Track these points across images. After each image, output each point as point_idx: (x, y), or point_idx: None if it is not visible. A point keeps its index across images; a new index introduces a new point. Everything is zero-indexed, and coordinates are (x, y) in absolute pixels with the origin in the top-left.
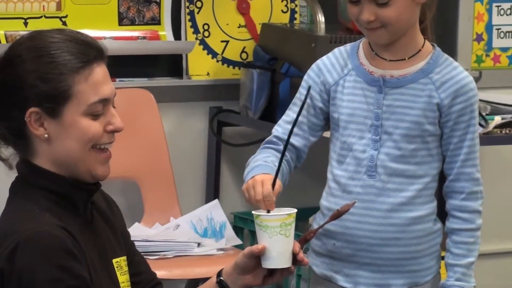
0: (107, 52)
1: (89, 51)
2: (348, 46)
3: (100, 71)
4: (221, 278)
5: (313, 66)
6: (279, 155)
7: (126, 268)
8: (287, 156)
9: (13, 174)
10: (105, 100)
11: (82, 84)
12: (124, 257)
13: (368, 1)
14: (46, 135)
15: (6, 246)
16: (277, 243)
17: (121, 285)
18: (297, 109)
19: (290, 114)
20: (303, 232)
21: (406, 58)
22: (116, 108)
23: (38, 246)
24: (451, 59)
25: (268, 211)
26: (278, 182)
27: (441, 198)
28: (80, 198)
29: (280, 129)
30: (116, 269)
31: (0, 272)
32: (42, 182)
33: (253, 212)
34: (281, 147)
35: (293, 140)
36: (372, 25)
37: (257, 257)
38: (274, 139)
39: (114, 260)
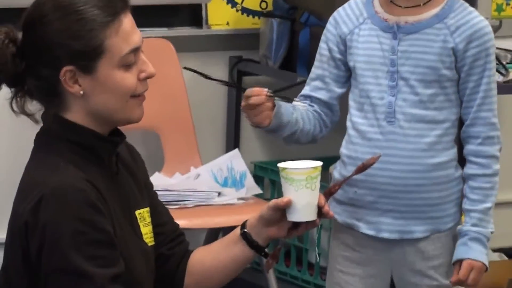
0: (131, 0)
1: (115, 3)
2: None
3: (128, 21)
4: (245, 230)
5: (330, 18)
6: (304, 106)
7: (149, 220)
8: (314, 107)
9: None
10: (136, 50)
11: (113, 37)
12: (147, 208)
13: None
14: (81, 92)
15: (31, 199)
16: (303, 196)
17: (144, 236)
18: (317, 64)
19: (314, 71)
20: (324, 182)
21: (421, 4)
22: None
23: (62, 199)
24: (466, 4)
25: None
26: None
27: (461, 144)
28: (105, 150)
29: (307, 87)
30: (139, 220)
31: (25, 224)
32: (67, 134)
33: (278, 165)
34: (310, 109)
35: (319, 94)
36: None
37: (282, 210)
38: (301, 98)
39: (137, 212)
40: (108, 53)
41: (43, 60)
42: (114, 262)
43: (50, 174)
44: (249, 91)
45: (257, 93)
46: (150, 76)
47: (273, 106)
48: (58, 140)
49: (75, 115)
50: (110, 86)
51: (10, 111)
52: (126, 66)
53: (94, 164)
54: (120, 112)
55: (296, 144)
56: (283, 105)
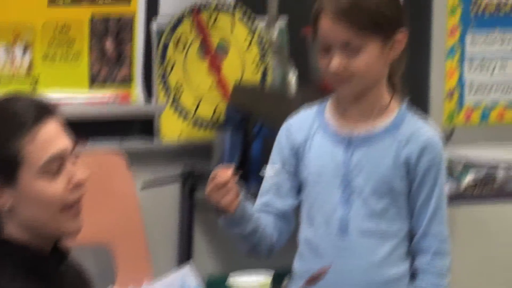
0: (56, 107)
1: (31, 113)
2: (315, 106)
3: (47, 129)
4: None
5: (281, 129)
6: (264, 215)
7: None
8: (271, 216)
9: None
10: (58, 157)
11: (30, 146)
12: None
13: (339, 50)
14: (7, 206)
15: None
16: None
17: None
18: (271, 176)
19: (265, 184)
20: None
21: (373, 116)
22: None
23: None
24: (417, 116)
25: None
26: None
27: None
28: (49, 267)
29: (260, 199)
30: None
31: None
32: (9, 252)
33: (228, 279)
34: (267, 216)
35: (275, 204)
36: (341, 74)
37: None
38: (256, 208)
39: None
40: (26, 162)
41: None
42: None
43: None
44: (214, 172)
45: (223, 172)
46: (80, 183)
47: (237, 195)
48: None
49: (12, 230)
50: (34, 197)
51: None
52: (50, 174)
53: (37, 280)
54: (52, 225)
55: (255, 253)
56: (246, 200)
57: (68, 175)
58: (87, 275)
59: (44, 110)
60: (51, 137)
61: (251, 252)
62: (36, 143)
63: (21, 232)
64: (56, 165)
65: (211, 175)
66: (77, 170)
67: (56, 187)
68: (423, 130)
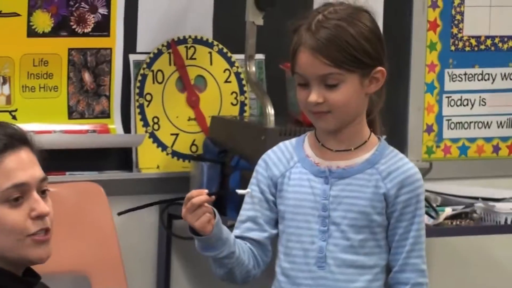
0: (30, 138)
1: (2, 140)
2: (294, 139)
3: (14, 158)
4: None
5: (260, 161)
6: (241, 242)
7: None
8: (247, 245)
9: None
10: (20, 186)
11: None
12: None
13: (317, 84)
14: None
15: None
16: None
17: None
18: (248, 206)
19: (244, 214)
20: None
21: (352, 149)
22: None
23: None
24: (396, 151)
25: None
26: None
27: None
28: None
29: (237, 230)
30: None
31: None
32: None
33: None
34: (243, 244)
35: (252, 234)
36: (319, 108)
37: None
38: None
39: None
40: None
41: None
42: None
43: None
44: (189, 193)
45: (198, 193)
46: (41, 215)
47: (214, 216)
48: None
49: None
50: None
51: None
52: (11, 203)
53: None
54: (13, 251)
55: (230, 279)
56: (222, 224)
57: (30, 206)
58: None
59: (16, 139)
60: (17, 167)
61: (226, 277)
62: (0, 170)
63: None
64: (17, 193)
65: (187, 196)
66: (41, 202)
67: (15, 216)
68: (402, 165)
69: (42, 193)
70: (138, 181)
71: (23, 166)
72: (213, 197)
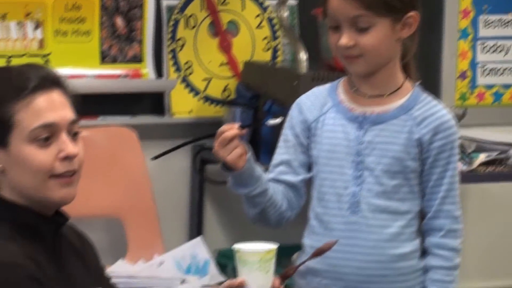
0: (63, 80)
1: (34, 80)
2: (328, 85)
3: (45, 99)
4: None
5: (294, 105)
6: (275, 184)
7: None
8: (282, 188)
9: None
10: (49, 126)
11: (23, 112)
12: None
13: (348, 26)
14: (0, 166)
15: None
16: (256, 278)
17: None
18: (282, 150)
19: (278, 157)
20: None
21: (386, 95)
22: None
23: (3, 277)
24: (430, 97)
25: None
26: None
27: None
28: (47, 230)
29: (271, 174)
30: None
31: None
32: (7, 214)
33: (233, 246)
34: (277, 186)
35: (286, 177)
36: (350, 51)
37: None
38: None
39: None
40: (17, 127)
41: None
42: None
43: None
44: (221, 128)
45: (229, 127)
46: (68, 156)
47: (245, 152)
48: None
49: (5, 191)
50: (22, 161)
51: None
52: (40, 143)
53: (36, 242)
54: (38, 191)
55: (264, 220)
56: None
57: (58, 147)
58: (89, 244)
59: (48, 80)
60: (47, 107)
61: (260, 218)
62: (30, 110)
63: (15, 196)
64: (45, 134)
65: (218, 131)
66: (70, 144)
67: (43, 156)
68: (437, 111)
69: (73, 135)
70: (171, 126)
71: (54, 107)
72: (244, 130)
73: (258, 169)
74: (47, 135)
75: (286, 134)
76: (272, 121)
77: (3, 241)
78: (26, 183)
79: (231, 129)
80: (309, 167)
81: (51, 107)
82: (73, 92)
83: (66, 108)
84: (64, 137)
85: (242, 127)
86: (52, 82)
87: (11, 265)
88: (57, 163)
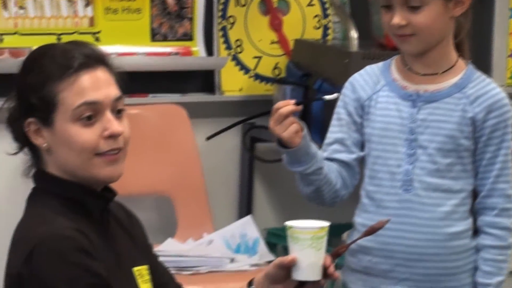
0: (109, 58)
1: (79, 58)
2: (380, 63)
3: (89, 77)
4: (252, 287)
5: (347, 83)
6: (329, 163)
7: (148, 277)
8: (335, 166)
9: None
10: (92, 104)
11: (67, 91)
12: (146, 266)
13: (400, 5)
14: (45, 145)
15: (22, 251)
16: (308, 255)
17: None
18: (335, 129)
19: (331, 136)
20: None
21: (439, 73)
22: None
23: (52, 248)
24: (484, 76)
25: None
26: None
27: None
28: (95, 206)
29: (324, 153)
30: (137, 277)
31: (19, 276)
32: (56, 189)
33: (286, 223)
34: (332, 164)
35: (340, 156)
36: (403, 30)
37: (287, 268)
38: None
39: (135, 269)
40: (62, 106)
41: (18, 111)
42: None
43: (39, 226)
44: (276, 104)
45: (285, 103)
46: (113, 135)
47: (301, 129)
48: (47, 195)
49: (53, 170)
50: (66, 140)
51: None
52: (84, 121)
53: (84, 217)
54: (83, 169)
55: (318, 198)
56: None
57: (103, 126)
58: (137, 221)
59: (92, 58)
60: (91, 85)
61: (314, 196)
62: (74, 88)
63: (61, 173)
64: (89, 113)
65: (274, 107)
66: (115, 122)
67: (87, 135)
68: (490, 89)
69: (118, 112)
70: (221, 104)
71: (98, 84)
72: (300, 106)
73: (313, 146)
74: (90, 113)
75: (339, 112)
76: (328, 96)
77: (53, 215)
78: (71, 162)
79: (287, 105)
80: (362, 145)
81: (95, 85)
82: (118, 69)
83: (110, 86)
84: (108, 115)
85: (297, 103)
86: (97, 59)
87: (60, 236)
88: (102, 141)
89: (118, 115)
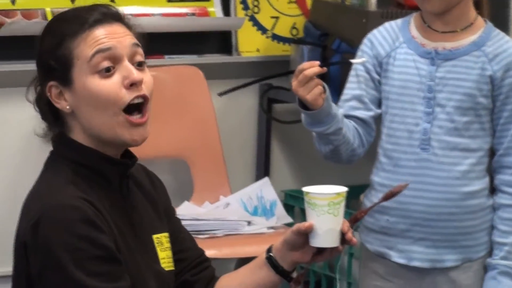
0: (123, 16)
1: (92, 16)
2: (399, 20)
3: (104, 29)
4: (271, 254)
5: (365, 40)
6: (346, 120)
7: (167, 245)
8: (352, 123)
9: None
10: (107, 51)
11: (81, 45)
12: (166, 234)
13: None
14: (68, 107)
15: (29, 220)
16: (325, 222)
17: (161, 261)
18: (353, 85)
19: (348, 92)
20: (354, 210)
21: (458, 30)
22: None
23: (58, 218)
24: (503, 33)
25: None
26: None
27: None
28: (113, 173)
29: (342, 109)
30: (156, 245)
31: (24, 245)
32: (73, 155)
33: (303, 189)
34: (348, 122)
35: (357, 113)
36: None
37: (306, 235)
38: None
39: (154, 236)
40: (78, 60)
41: (40, 78)
42: (118, 278)
43: (48, 194)
44: (300, 66)
45: (310, 65)
46: (133, 82)
47: (324, 90)
48: (63, 161)
49: (78, 135)
50: (88, 95)
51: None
52: (103, 74)
53: (100, 185)
54: (108, 128)
55: (336, 156)
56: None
57: (122, 75)
58: (160, 183)
59: (109, 15)
60: (105, 36)
61: (331, 155)
62: (87, 43)
63: (86, 139)
64: (106, 62)
65: (298, 68)
66: (134, 70)
67: (108, 86)
68: (509, 47)
69: (139, 65)
70: (238, 65)
71: (113, 35)
72: (325, 68)
73: (335, 107)
74: (108, 65)
75: (357, 68)
76: (355, 60)
77: (62, 184)
78: (97, 121)
79: (311, 67)
80: (379, 102)
81: (110, 35)
82: (138, 29)
83: (126, 36)
84: (127, 64)
85: (322, 65)
86: (113, 16)
87: (68, 206)
88: (124, 90)
89: (139, 67)
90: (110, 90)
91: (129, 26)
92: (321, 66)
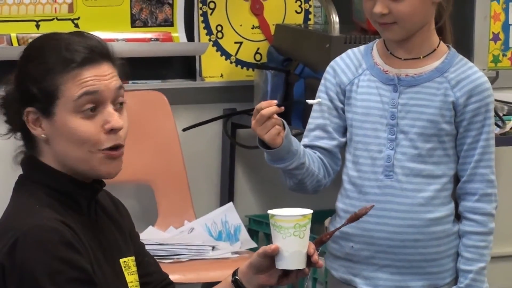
0: (110, 52)
1: (80, 54)
2: (362, 47)
3: (92, 71)
4: (237, 277)
5: (328, 68)
6: (310, 152)
7: (134, 268)
8: (317, 154)
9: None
10: (93, 94)
11: (69, 83)
12: (132, 257)
13: None
14: (43, 135)
15: (6, 242)
16: (291, 244)
17: (129, 284)
18: (317, 114)
19: (313, 122)
20: (318, 235)
21: (421, 57)
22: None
23: (37, 240)
24: (466, 59)
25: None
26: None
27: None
28: (83, 197)
29: (306, 139)
30: (123, 268)
31: (1, 267)
32: (44, 179)
33: (268, 211)
34: (313, 153)
35: (321, 143)
36: (385, 19)
37: (272, 257)
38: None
39: (121, 260)
40: (63, 97)
41: (18, 100)
42: None
43: (24, 217)
44: (258, 105)
45: (267, 104)
46: (114, 129)
47: (283, 128)
48: (34, 185)
49: (46, 159)
50: (66, 132)
51: None
52: (85, 114)
53: (72, 209)
54: (85, 163)
55: (301, 189)
56: (291, 135)
57: (104, 119)
58: (124, 209)
59: (96, 52)
60: (93, 78)
61: (297, 188)
62: (75, 82)
63: (56, 164)
64: (91, 105)
65: (256, 108)
66: (116, 116)
67: (88, 128)
68: (472, 73)
69: (120, 105)
70: (202, 90)
71: (100, 77)
72: (283, 108)
73: (295, 143)
74: (92, 105)
75: (321, 97)
76: (311, 101)
77: (39, 206)
78: (71, 154)
79: (268, 106)
80: (344, 131)
81: (97, 77)
82: (121, 61)
83: (113, 78)
84: (109, 108)
85: (279, 105)
86: (101, 54)
87: (45, 228)
88: (103, 135)
89: (119, 108)
90: (91, 133)
91: (115, 64)
92: (278, 105)
